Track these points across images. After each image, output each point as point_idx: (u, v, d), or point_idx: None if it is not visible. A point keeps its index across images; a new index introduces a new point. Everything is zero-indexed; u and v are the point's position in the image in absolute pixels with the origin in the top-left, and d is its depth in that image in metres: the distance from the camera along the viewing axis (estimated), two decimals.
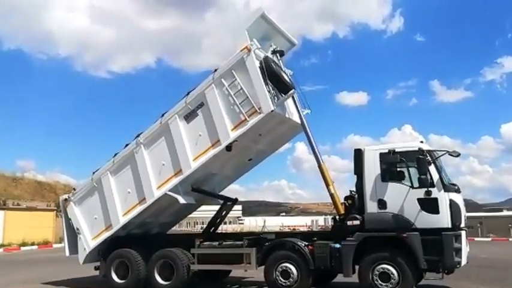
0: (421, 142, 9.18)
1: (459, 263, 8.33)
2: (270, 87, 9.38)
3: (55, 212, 31.54)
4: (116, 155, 10.96)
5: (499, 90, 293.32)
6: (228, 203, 11.68)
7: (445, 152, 8.92)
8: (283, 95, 9.65)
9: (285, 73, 10.03)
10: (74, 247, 11.47)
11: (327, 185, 9.77)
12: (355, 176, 9.30)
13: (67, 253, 11.69)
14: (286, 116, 10.22)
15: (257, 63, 9.28)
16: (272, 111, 9.12)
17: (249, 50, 9.25)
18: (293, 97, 10.06)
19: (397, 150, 8.82)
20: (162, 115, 10.34)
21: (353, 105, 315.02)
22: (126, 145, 10.85)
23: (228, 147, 9.51)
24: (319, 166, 9.95)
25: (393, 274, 8.38)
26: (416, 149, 8.75)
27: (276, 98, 9.50)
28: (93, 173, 11.26)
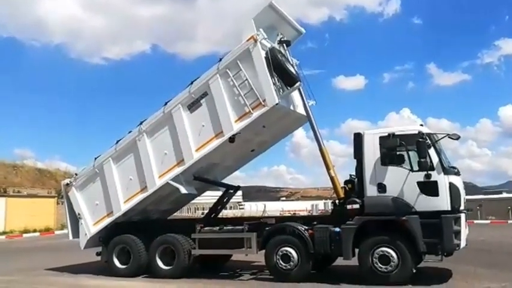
0: (421, 125, 9.17)
1: (458, 245, 8.38)
2: (276, 79, 9.25)
3: (56, 198, 31.65)
4: (118, 141, 10.93)
5: (496, 72, 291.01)
6: (230, 190, 11.69)
7: (445, 135, 8.92)
8: (289, 88, 9.52)
9: (291, 64, 9.88)
10: (77, 231, 11.57)
11: (328, 169, 9.80)
12: (355, 161, 9.30)
13: (70, 237, 11.85)
14: (291, 108, 10.12)
15: (263, 54, 9.11)
16: (277, 104, 9.00)
17: (256, 41, 9.06)
18: (299, 88, 9.91)
19: (396, 133, 8.81)
20: (165, 104, 10.25)
21: (350, 89, 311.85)
22: (130, 132, 10.80)
23: (231, 139, 9.44)
24: (320, 150, 9.96)
25: (393, 257, 8.44)
26: (416, 132, 8.76)
27: (281, 90, 9.38)
28: (95, 158, 11.25)
